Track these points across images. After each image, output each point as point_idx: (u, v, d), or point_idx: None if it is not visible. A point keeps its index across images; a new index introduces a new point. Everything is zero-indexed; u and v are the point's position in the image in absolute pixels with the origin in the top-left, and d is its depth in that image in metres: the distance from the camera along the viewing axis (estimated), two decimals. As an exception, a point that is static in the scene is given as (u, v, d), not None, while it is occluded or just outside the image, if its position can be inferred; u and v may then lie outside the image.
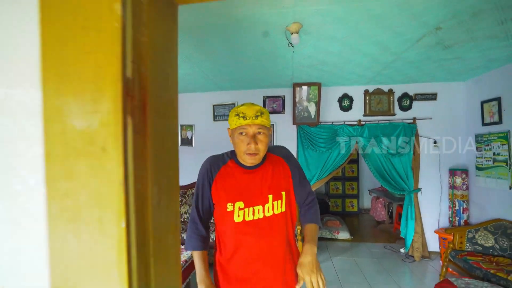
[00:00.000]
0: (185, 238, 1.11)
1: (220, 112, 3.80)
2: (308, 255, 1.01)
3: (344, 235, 4.02)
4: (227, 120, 3.63)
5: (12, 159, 0.36)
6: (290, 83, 3.45)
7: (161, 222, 0.38)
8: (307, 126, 3.55)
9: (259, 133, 1.02)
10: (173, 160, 0.42)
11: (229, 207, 1.05)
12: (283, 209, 1.09)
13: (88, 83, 0.32)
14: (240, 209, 1.06)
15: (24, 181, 0.35)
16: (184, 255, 2.30)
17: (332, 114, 3.60)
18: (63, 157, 0.32)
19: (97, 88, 0.32)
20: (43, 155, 0.33)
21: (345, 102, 3.58)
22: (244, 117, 1.00)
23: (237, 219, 1.05)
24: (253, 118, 0.99)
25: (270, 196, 1.08)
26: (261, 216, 1.06)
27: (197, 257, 1.07)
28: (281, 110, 3.69)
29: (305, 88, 3.43)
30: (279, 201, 1.09)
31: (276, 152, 1.16)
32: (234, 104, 3.71)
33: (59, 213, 0.33)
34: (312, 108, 3.49)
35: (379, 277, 2.86)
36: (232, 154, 1.12)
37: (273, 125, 3.62)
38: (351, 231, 4.24)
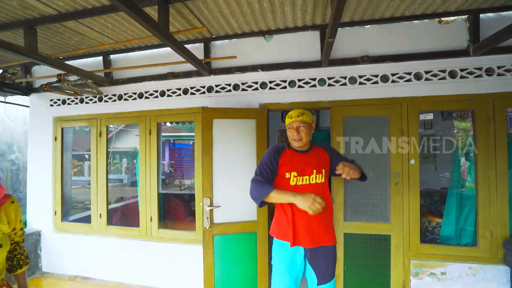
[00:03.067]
0: (253, 194, 1.38)
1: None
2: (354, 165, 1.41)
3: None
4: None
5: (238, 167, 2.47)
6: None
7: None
8: (311, 129, 5.33)
9: (300, 126, 1.46)
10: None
11: (287, 175, 1.46)
12: (323, 180, 1.48)
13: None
14: (294, 177, 1.45)
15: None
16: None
17: (326, 121, 5.44)
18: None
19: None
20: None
21: (336, 114, 5.41)
22: (291, 117, 1.48)
23: (292, 182, 1.45)
24: (296, 116, 1.46)
25: (314, 171, 1.46)
26: (307, 182, 1.46)
27: (278, 191, 1.33)
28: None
29: (309, 105, 5.33)
30: (320, 175, 1.47)
31: (320, 146, 1.58)
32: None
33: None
34: (314, 118, 5.41)
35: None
36: (287, 144, 1.55)
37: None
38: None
